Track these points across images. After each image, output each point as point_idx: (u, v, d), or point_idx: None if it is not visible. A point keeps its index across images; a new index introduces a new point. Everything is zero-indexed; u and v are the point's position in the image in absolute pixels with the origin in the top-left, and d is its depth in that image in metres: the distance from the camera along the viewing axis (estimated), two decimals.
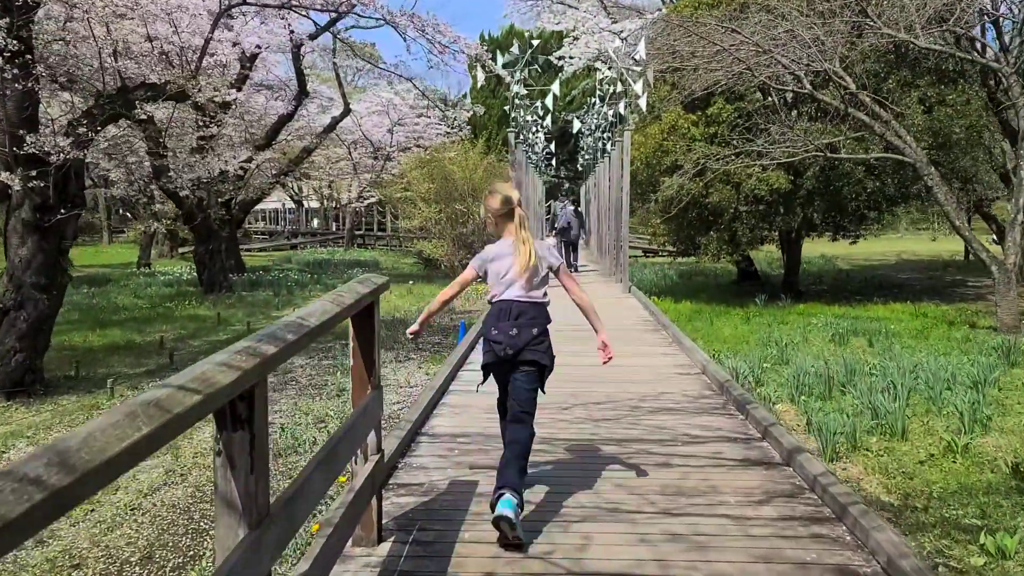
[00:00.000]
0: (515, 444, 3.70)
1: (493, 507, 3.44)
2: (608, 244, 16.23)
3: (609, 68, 11.44)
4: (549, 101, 11.85)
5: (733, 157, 13.19)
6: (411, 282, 19.61)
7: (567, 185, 47.82)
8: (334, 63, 22.47)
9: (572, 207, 17.83)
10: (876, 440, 5.73)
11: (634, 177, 14.71)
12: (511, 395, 3.83)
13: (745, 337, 11.04)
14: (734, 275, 19.72)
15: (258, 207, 60.83)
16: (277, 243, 41.15)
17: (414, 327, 4.19)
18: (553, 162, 31.57)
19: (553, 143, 22.62)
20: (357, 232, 43.06)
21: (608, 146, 15.59)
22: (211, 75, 18.06)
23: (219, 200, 19.61)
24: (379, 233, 42.11)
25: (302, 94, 18.92)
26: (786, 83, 11.54)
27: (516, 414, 3.79)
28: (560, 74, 13.92)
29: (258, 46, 18.13)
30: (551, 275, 3.95)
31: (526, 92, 13.06)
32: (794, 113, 13.95)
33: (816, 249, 24.60)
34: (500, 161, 18.65)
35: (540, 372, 3.84)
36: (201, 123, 18.01)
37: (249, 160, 16.93)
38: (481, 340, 4.17)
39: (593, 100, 15.43)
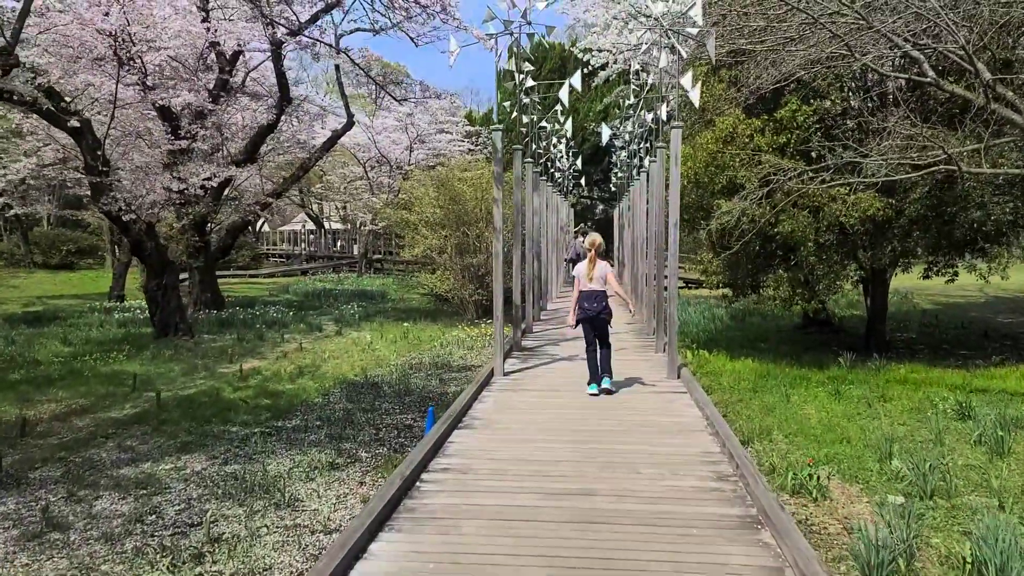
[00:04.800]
0: (607, 356, 7.73)
1: (598, 382, 7.75)
2: (645, 285, 12.93)
3: (645, 50, 8.32)
4: (565, 94, 8.79)
5: (812, 174, 9.95)
6: (409, 322, 16.55)
7: (601, 207, 44.74)
8: (336, 66, 19.57)
9: (583, 239, 18.53)
10: None
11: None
12: (598, 333, 7.73)
13: (841, 428, 7.73)
14: (797, 317, 16.30)
15: (282, 228, 59.11)
16: (288, 268, 38.50)
17: (571, 321, 7.95)
18: (583, 181, 28.32)
19: (580, 159, 19.44)
20: (375, 257, 40.30)
21: (645, 160, 12.42)
22: (187, 79, 15.36)
23: (188, 223, 16.85)
24: (398, 258, 39.25)
25: (284, 100, 16.12)
26: (895, 68, 8.32)
27: (604, 342, 7.74)
28: (585, 69, 10.84)
29: (239, 41, 15.34)
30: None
31: (534, 84, 10.00)
32: (884, 117, 10.67)
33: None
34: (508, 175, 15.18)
35: (607, 321, 7.82)
36: (165, 133, 15.31)
37: (212, 178, 14.08)
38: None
39: (627, 102, 12.29)
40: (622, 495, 4.57)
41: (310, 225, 48.24)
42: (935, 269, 13.14)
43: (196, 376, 10.91)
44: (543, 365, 8.86)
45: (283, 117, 20.51)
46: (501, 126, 7.58)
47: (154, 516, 5.56)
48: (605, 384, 7.47)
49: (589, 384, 7.83)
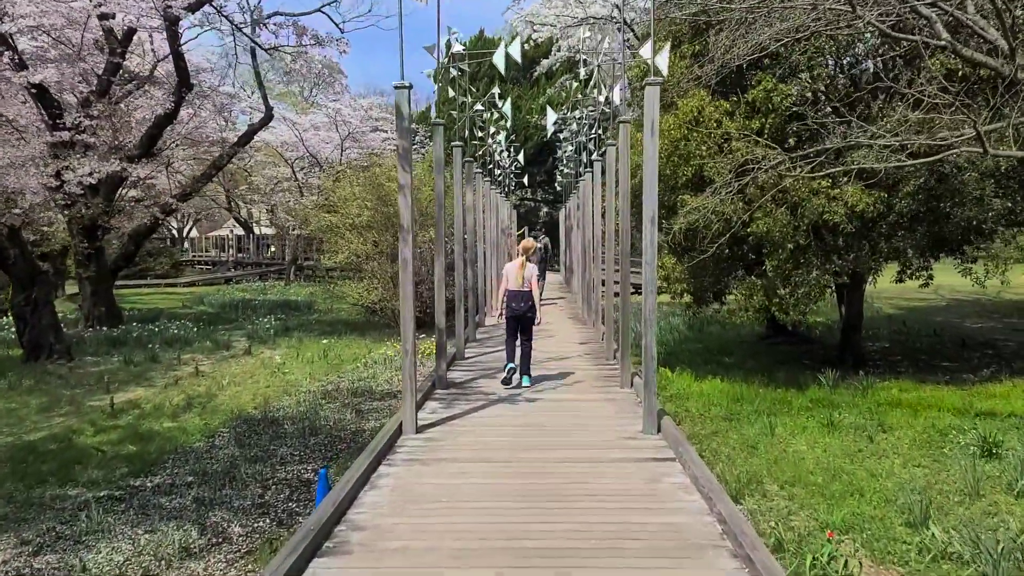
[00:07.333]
0: (526, 354, 8.59)
1: (513, 361, 8.60)
2: (597, 295, 11.31)
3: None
4: (500, 60, 7.18)
5: (791, 164, 8.52)
6: (332, 337, 14.66)
7: (545, 210, 43.39)
8: (252, 52, 17.38)
9: (539, 242, 19.63)
10: None
11: (635, 195, 9.94)
12: (521, 331, 8.59)
13: (847, 474, 6.25)
14: (759, 326, 14.92)
15: (210, 233, 55.86)
16: (212, 276, 35.94)
17: (496, 313, 10.43)
18: (525, 180, 26.70)
19: (523, 156, 17.84)
20: (306, 263, 38.02)
21: (594, 153, 10.84)
22: (74, 62, 13.21)
23: (76, 228, 14.68)
24: (324, 265, 36.98)
25: (183, 87, 14.08)
26: (896, 31, 6.93)
27: (524, 339, 8.59)
28: (525, 44, 9.25)
29: (130, 17, 13.21)
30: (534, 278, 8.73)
31: (463, 48, 8.32)
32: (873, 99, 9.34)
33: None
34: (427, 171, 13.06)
35: (531, 320, 8.58)
36: (43, 122, 13.16)
37: (92, 174, 12.00)
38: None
39: (575, 84, 10.70)
40: None
41: (239, 230, 45.53)
42: (909, 272, 11.88)
43: (56, 413, 8.89)
44: (474, 411, 7.05)
45: (190, 110, 18.44)
46: (406, 83, 5.70)
47: None
48: (525, 383, 8.36)
49: (505, 366, 8.69)
